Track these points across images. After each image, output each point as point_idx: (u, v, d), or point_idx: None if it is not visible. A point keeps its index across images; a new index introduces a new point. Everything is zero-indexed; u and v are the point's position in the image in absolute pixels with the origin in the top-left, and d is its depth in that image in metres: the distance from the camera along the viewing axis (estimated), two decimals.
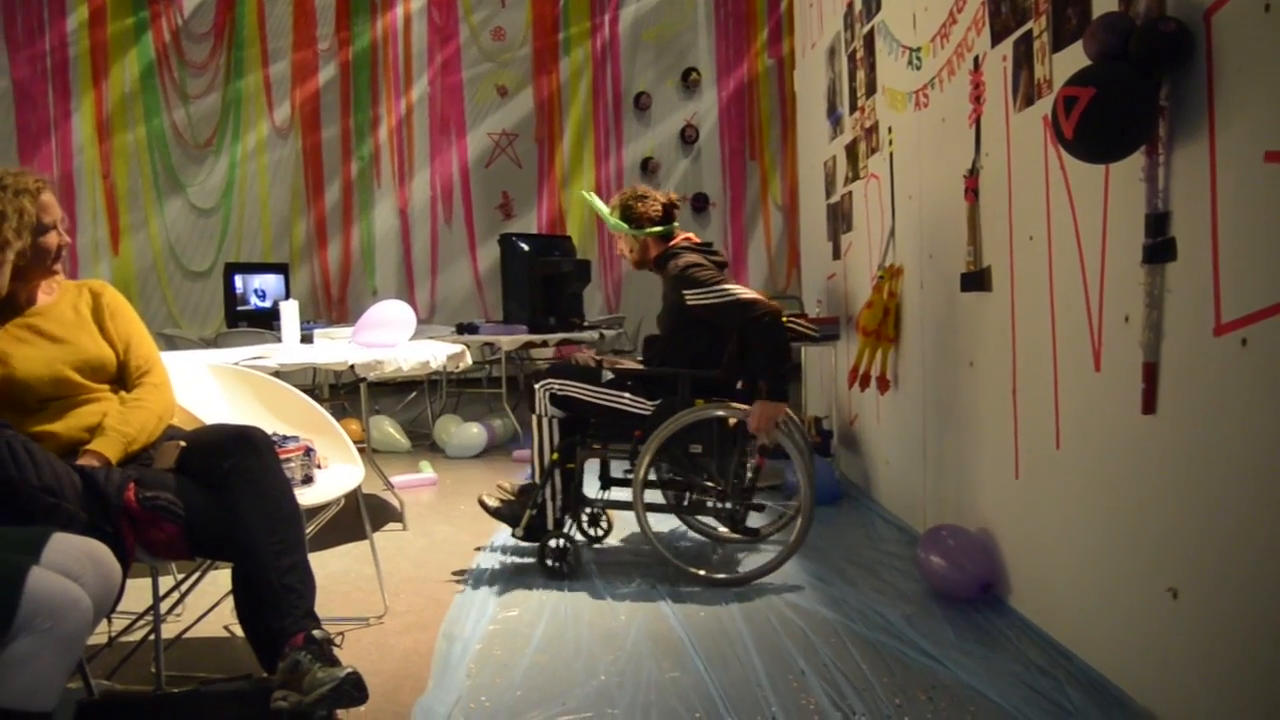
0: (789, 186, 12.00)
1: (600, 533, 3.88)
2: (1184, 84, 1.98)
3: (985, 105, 3.04)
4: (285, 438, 2.80)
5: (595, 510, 3.78)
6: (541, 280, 6.66)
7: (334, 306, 11.18)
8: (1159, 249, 2.08)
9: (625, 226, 3.56)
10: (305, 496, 2.59)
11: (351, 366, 3.72)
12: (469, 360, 4.41)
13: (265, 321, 9.30)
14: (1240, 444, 1.85)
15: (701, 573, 3.32)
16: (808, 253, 5.91)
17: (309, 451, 2.75)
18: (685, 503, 3.49)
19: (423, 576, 3.58)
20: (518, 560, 3.68)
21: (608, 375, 3.46)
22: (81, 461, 2.16)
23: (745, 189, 11.99)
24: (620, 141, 11.77)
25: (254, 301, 9.43)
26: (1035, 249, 2.70)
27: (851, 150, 4.72)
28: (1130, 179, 2.16)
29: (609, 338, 6.97)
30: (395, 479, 5.16)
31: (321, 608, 2.27)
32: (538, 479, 3.51)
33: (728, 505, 3.35)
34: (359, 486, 2.90)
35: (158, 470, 2.19)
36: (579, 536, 3.77)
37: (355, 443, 2.99)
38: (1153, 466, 2.15)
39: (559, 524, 3.48)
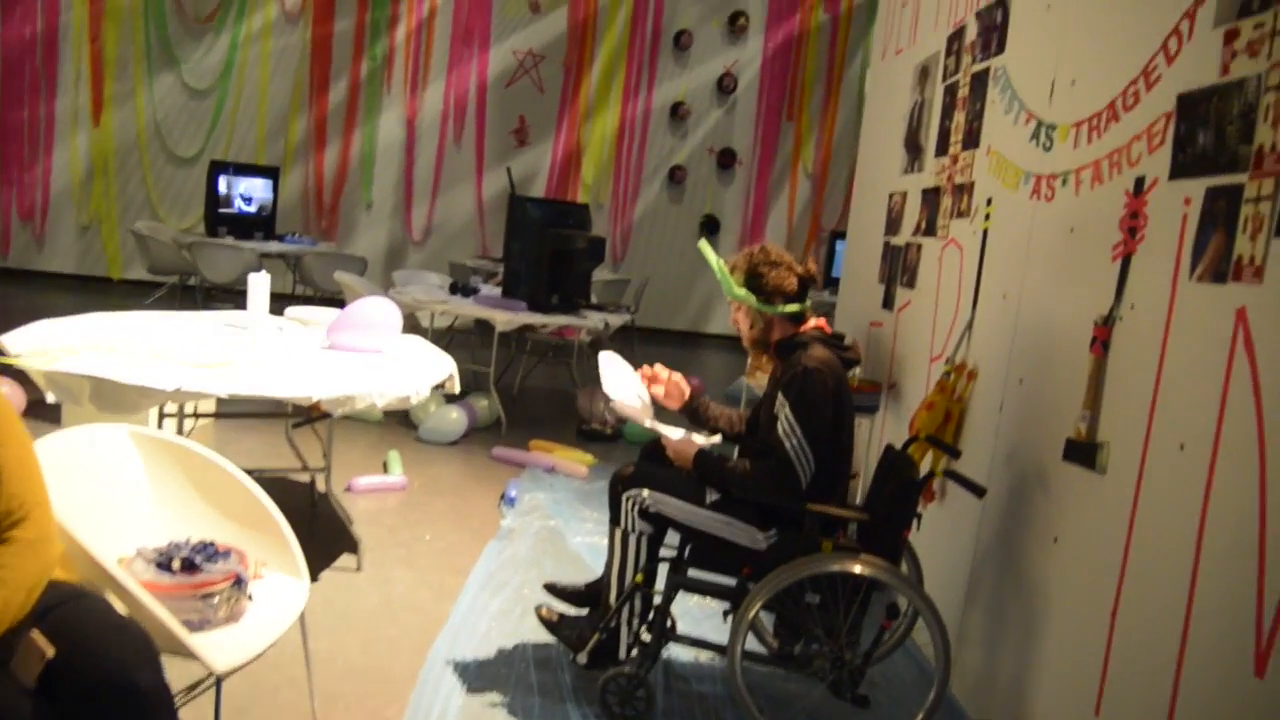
0: (823, 156, 11.29)
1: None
2: None
3: (1141, 245, 2.42)
4: (214, 554, 2.22)
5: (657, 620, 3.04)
6: (550, 254, 6.03)
7: (324, 215, 10.50)
8: None
9: (753, 299, 2.92)
10: (225, 647, 2.03)
11: (316, 403, 3.12)
12: (457, 386, 3.81)
13: (248, 230, 8.65)
14: None
15: None
16: (849, 280, 5.30)
17: (239, 582, 2.17)
18: (789, 656, 2.89)
19: (370, 667, 3.04)
20: (490, 639, 3.16)
21: (712, 496, 2.86)
22: None
23: (777, 150, 11.26)
24: (653, 80, 10.99)
25: (239, 205, 8.75)
26: (1189, 460, 2.12)
27: (931, 199, 4.07)
28: None
29: (613, 326, 6.36)
30: (358, 481, 4.62)
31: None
32: (613, 599, 2.95)
33: (840, 669, 2.78)
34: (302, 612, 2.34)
35: (13, 684, 1.61)
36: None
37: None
38: None
39: (632, 657, 2.92)
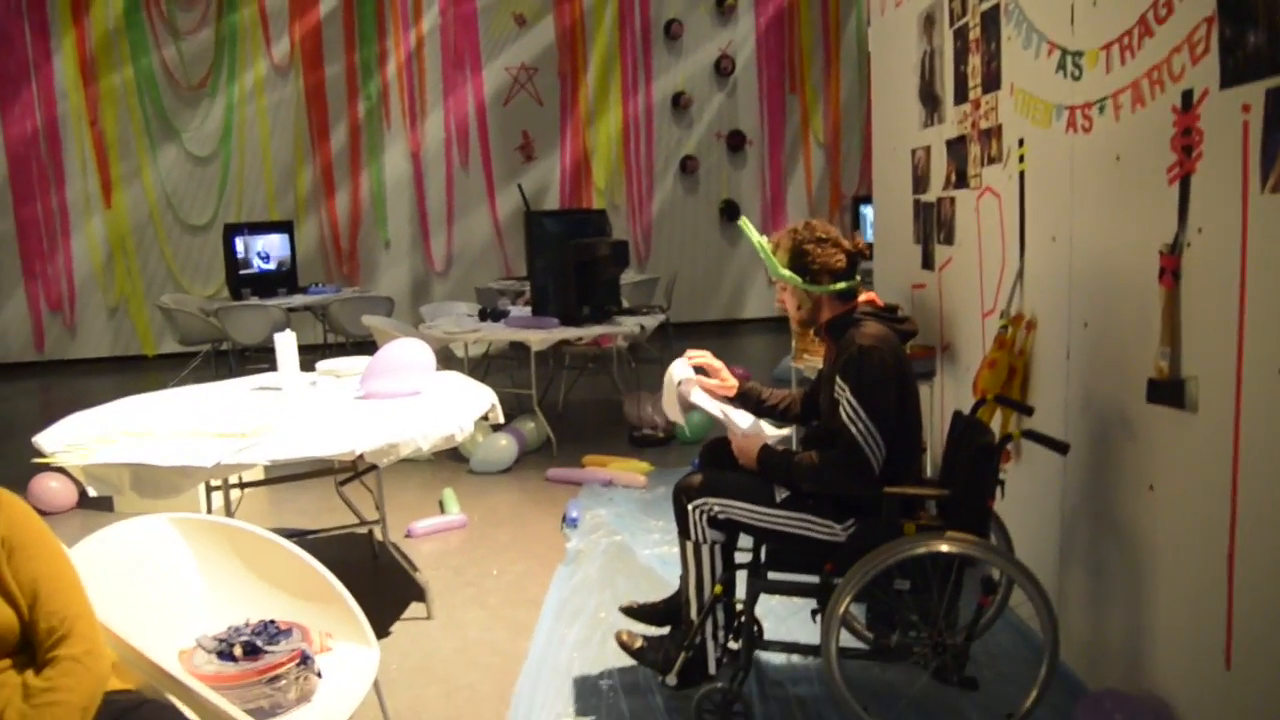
0: (832, 123, 11.10)
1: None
2: None
3: (1200, 163, 2.25)
4: (276, 633, 2.13)
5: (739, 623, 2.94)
6: (575, 266, 5.91)
7: (344, 261, 10.48)
8: None
9: (799, 279, 2.76)
10: None
11: (360, 455, 3.02)
12: (500, 416, 3.71)
13: (271, 288, 8.62)
14: None
15: None
16: (883, 244, 5.13)
17: (305, 659, 2.08)
18: (887, 647, 2.76)
19: (455, 718, 2.94)
20: (573, 671, 3.07)
21: (782, 494, 2.73)
22: None
23: (785, 125, 11.09)
24: (649, 75, 10.86)
25: (257, 264, 8.73)
26: None
27: (957, 149, 3.91)
28: None
29: (649, 328, 6.23)
30: (417, 525, 4.54)
31: None
32: (694, 614, 2.83)
33: (942, 654, 2.64)
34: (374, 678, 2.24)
35: None
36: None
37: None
38: None
39: (723, 670, 2.81)
